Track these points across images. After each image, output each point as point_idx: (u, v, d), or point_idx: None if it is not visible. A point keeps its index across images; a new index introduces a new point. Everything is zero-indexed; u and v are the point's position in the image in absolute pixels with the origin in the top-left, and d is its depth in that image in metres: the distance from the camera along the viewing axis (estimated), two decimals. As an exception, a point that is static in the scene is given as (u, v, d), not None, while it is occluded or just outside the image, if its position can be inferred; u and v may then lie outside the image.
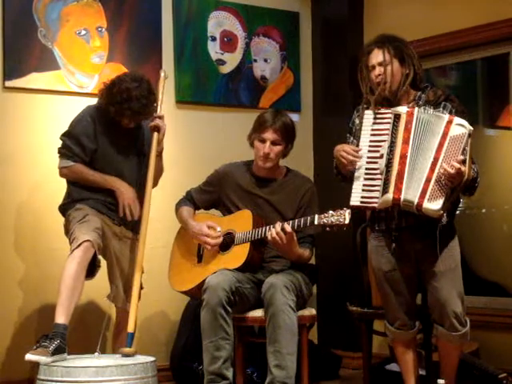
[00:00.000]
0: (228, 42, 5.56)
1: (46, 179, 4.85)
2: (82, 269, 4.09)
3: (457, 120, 3.75)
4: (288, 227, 4.11)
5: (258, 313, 4.24)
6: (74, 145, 4.35)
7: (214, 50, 5.51)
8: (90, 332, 4.64)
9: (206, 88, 5.47)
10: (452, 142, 3.72)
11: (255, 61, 5.67)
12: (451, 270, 3.91)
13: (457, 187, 3.75)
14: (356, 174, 3.89)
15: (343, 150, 3.92)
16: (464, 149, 3.72)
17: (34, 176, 4.88)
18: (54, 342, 3.91)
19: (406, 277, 3.97)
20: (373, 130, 3.90)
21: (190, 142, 5.39)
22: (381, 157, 3.84)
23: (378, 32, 5.50)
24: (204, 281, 4.21)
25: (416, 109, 3.81)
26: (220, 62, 5.53)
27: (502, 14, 4.91)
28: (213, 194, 4.51)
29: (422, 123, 3.78)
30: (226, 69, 5.55)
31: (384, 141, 3.85)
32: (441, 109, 3.88)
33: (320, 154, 5.80)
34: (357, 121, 4.06)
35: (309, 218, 4.11)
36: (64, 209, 4.42)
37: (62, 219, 4.42)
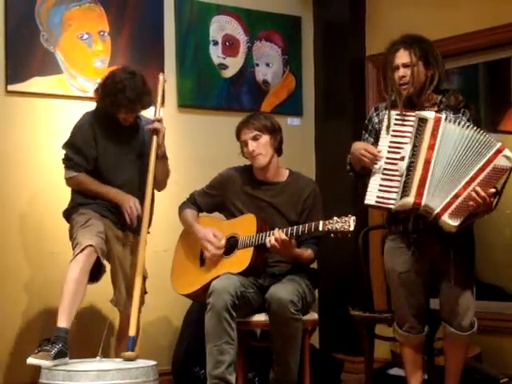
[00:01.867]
0: (230, 46, 5.56)
1: (48, 183, 4.85)
2: (84, 273, 4.09)
3: (506, 152, 3.73)
4: (282, 235, 4.12)
5: (261, 317, 4.25)
6: (75, 155, 4.37)
7: (215, 54, 5.51)
8: (91, 336, 4.63)
9: (208, 92, 5.48)
10: (494, 170, 3.72)
11: (257, 65, 5.67)
12: (467, 271, 3.93)
13: (479, 214, 3.76)
14: (373, 174, 3.89)
15: (365, 149, 3.91)
16: (503, 181, 3.72)
17: (37, 180, 4.88)
18: (55, 346, 3.91)
19: (420, 279, 3.97)
20: (394, 131, 3.89)
21: (192, 146, 5.39)
22: (401, 159, 3.83)
23: (379, 36, 5.56)
24: (206, 284, 4.22)
25: (443, 116, 3.79)
26: (222, 66, 5.53)
27: (504, 19, 4.90)
28: (216, 198, 4.52)
29: (456, 133, 3.76)
30: (227, 73, 5.55)
31: (406, 143, 3.84)
32: (460, 115, 3.89)
33: (322, 158, 5.80)
34: (375, 119, 4.05)
35: (313, 224, 4.12)
36: (68, 214, 4.43)
37: (65, 223, 4.43)
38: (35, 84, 4.85)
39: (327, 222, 4.08)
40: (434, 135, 3.77)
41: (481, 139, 3.75)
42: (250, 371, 4.75)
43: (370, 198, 3.88)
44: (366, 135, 4.08)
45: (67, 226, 4.41)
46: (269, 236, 4.18)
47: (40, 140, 4.90)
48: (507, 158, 3.72)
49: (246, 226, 4.33)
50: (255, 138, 4.36)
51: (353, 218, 4.02)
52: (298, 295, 4.14)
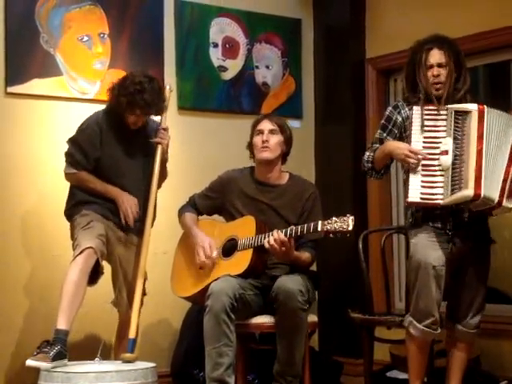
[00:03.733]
0: (230, 48, 5.56)
1: (48, 186, 4.85)
2: (83, 275, 4.10)
3: None
4: (281, 235, 4.12)
5: (261, 319, 4.26)
6: (77, 152, 4.37)
7: (215, 56, 5.51)
8: (91, 338, 4.64)
9: (208, 94, 5.48)
10: None
11: (257, 67, 5.67)
12: (485, 272, 4.01)
13: None
14: (412, 171, 3.91)
15: (409, 150, 3.91)
16: None
17: (37, 183, 4.88)
18: (54, 348, 3.92)
19: (447, 276, 3.98)
20: (427, 126, 3.91)
21: (192, 149, 5.39)
22: (443, 153, 3.86)
23: (380, 39, 5.57)
24: (206, 287, 4.21)
25: (485, 106, 3.85)
26: (222, 68, 5.53)
27: (504, 21, 4.91)
28: (216, 201, 4.52)
29: (495, 121, 3.84)
30: (227, 75, 5.56)
31: (443, 137, 3.87)
32: None
33: (321, 160, 5.80)
34: (399, 117, 4.06)
35: (312, 224, 4.12)
36: (69, 213, 4.42)
37: (65, 225, 4.43)
38: (35, 86, 4.86)
39: (326, 222, 4.08)
40: (481, 125, 3.82)
41: (506, 120, 3.87)
42: (250, 374, 4.74)
43: (414, 195, 3.90)
44: (384, 134, 4.10)
45: (68, 227, 4.42)
46: (268, 237, 4.18)
47: (40, 142, 4.90)
48: None
49: (245, 227, 4.34)
50: (272, 132, 4.40)
51: (351, 217, 4.03)
52: (304, 286, 4.16)
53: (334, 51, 5.80)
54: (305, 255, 4.33)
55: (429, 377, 4.35)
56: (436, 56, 3.96)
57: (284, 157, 4.48)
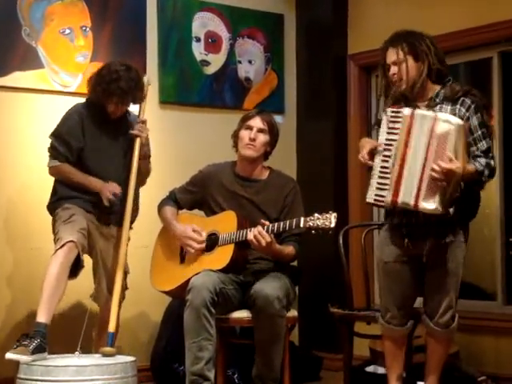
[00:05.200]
0: (212, 43, 5.56)
1: (29, 178, 4.84)
2: (64, 269, 4.09)
3: (442, 116, 3.76)
4: (263, 231, 4.13)
5: (241, 314, 4.26)
6: (59, 144, 4.37)
7: (198, 50, 5.51)
8: (71, 331, 4.62)
9: (190, 89, 5.48)
10: (439, 139, 3.73)
11: (239, 62, 5.68)
12: (453, 270, 3.93)
13: (452, 183, 3.73)
14: (372, 172, 3.91)
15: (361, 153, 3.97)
16: (456, 144, 3.72)
17: (19, 175, 4.87)
18: (34, 341, 3.91)
19: (408, 271, 3.98)
20: (389, 128, 3.90)
21: (174, 143, 5.39)
22: (391, 156, 3.86)
23: (362, 35, 5.59)
24: (187, 281, 4.21)
25: (417, 111, 3.82)
26: (204, 62, 5.53)
27: (485, 19, 4.93)
28: (196, 195, 4.52)
29: (422, 124, 3.79)
30: (210, 70, 5.56)
31: (395, 140, 3.86)
32: (458, 106, 3.87)
33: (303, 155, 5.82)
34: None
35: (294, 220, 4.13)
36: (52, 208, 4.42)
37: (48, 218, 4.42)
38: (16, 79, 4.84)
39: (308, 218, 4.09)
40: (408, 131, 3.81)
41: (424, 120, 3.78)
42: (230, 368, 4.75)
43: (369, 195, 3.91)
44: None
45: (51, 220, 4.41)
46: (249, 232, 4.18)
47: (21, 135, 4.89)
48: (445, 121, 3.74)
49: (226, 222, 4.33)
50: (261, 131, 4.39)
51: (334, 214, 4.04)
52: (283, 292, 4.15)
53: (316, 47, 5.81)
54: (288, 249, 4.33)
55: (407, 372, 4.37)
56: (390, 55, 3.94)
57: (266, 155, 4.48)
